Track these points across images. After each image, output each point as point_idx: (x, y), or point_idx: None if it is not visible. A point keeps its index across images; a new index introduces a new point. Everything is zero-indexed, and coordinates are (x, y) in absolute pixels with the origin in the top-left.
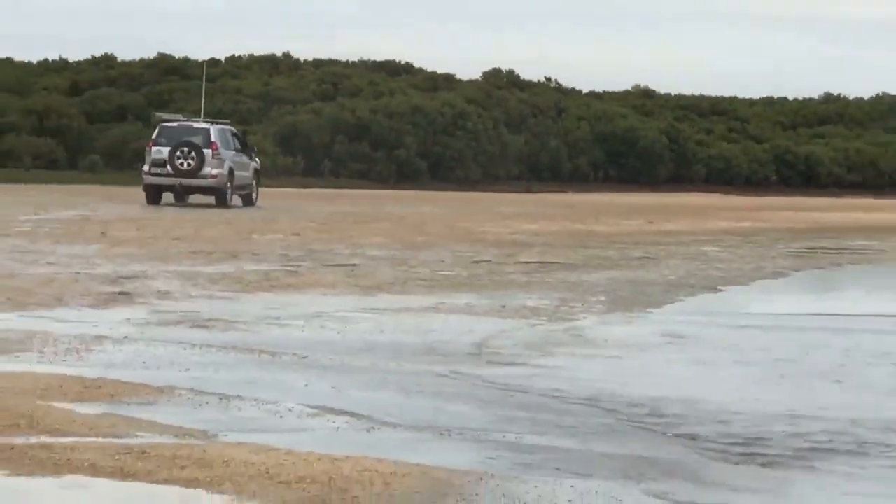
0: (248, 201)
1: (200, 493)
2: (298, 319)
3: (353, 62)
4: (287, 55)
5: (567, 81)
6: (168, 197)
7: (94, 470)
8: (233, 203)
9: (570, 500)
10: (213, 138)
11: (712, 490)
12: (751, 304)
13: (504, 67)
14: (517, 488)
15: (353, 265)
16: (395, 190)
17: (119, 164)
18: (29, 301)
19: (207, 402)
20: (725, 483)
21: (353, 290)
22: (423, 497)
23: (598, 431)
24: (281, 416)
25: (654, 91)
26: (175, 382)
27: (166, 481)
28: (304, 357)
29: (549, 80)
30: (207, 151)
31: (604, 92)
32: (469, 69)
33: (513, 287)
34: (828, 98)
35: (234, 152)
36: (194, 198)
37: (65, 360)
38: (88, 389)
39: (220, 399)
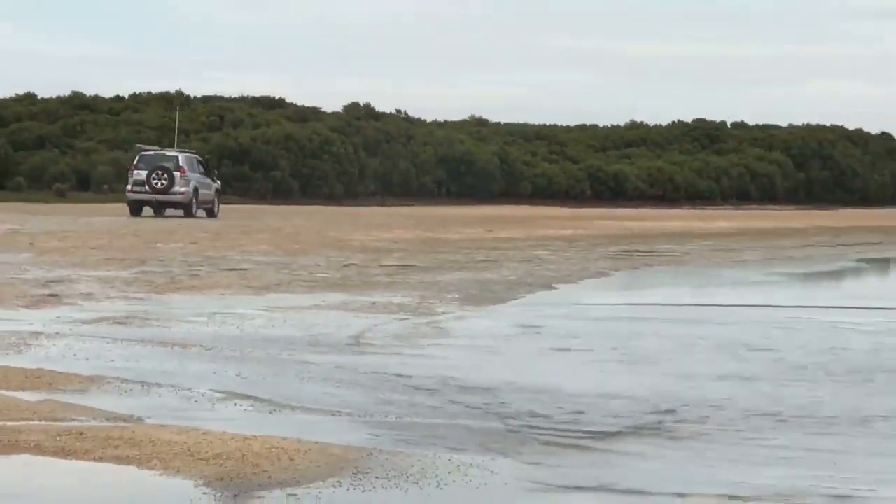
0: (211, 214)
1: (132, 469)
2: (202, 316)
3: (235, 98)
4: (180, 92)
5: (414, 112)
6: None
7: (40, 449)
8: (197, 215)
9: (449, 472)
10: (181, 163)
11: (558, 458)
12: (581, 299)
13: (362, 101)
14: (402, 462)
15: (244, 269)
16: (272, 205)
17: (40, 185)
18: None
19: (132, 390)
20: (572, 453)
21: (245, 290)
22: (324, 470)
23: (463, 412)
24: (195, 401)
25: (486, 120)
26: (103, 372)
27: (101, 459)
28: (210, 349)
29: (399, 111)
30: (176, 174)
31: (445, 121)
32: (332, 103)
33: (379, 287)
34: (632, 125)
35: (199, 175)
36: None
37: (7, 354)
38: (29, 379)
39: (143, 386)
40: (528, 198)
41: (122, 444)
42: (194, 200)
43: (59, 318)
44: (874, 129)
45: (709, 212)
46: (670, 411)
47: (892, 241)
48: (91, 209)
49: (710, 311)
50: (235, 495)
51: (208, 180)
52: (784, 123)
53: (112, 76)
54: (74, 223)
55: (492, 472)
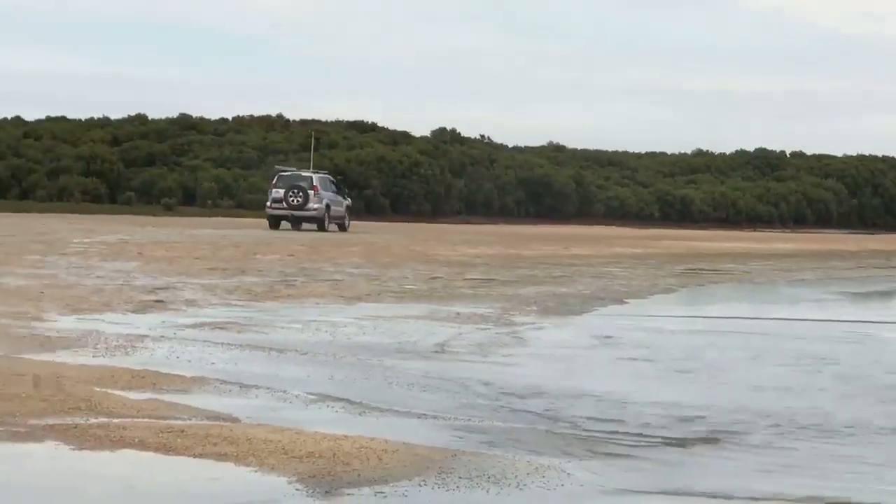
0: (342, 228)
1: (229, 465)
2: (297, 324)
3: (331, 122)
4: (280, 116)
5: (497, 138)
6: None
7: (143, 445)
8: (330, 229)
9: (528, 473)
10: (315, 183)
11: (632, 462)
12: (651, 312)
13: (448, 126)
14: (484, 462)
15: (337, 280)
16: (364, 221)
17: (149, 199)
18: (83, 307)
19: (230, 391)
20: (647, 458)
21: (338, 300)
22: (410, 470)
23: (540, 418)
24: (290, 402)
25: (563, 146)
26: (204, 374)
27: (201, 455)
28: (305, 354)
29: (483, 136)
30: (311, 192)
31: (525, 146)
32: (421, 128)
33: (463, 298)
34: (699, 152)
35: (331, 193)
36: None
37: (114, 355)
38: (135, 379)
39: (241, 387)
40: (601, 218)
41: (220, 441)
42: (327, 216)
43: (163, 322)
44: None
45: (768, 234)
46: (738, 421)
47: None
48: (196, 222)
49: (772, 324)
50: (326, 492)
51: (339, 198)
52: (839, 154)
53: (216, 101)
54: (180, 235)
55: (568, 474)
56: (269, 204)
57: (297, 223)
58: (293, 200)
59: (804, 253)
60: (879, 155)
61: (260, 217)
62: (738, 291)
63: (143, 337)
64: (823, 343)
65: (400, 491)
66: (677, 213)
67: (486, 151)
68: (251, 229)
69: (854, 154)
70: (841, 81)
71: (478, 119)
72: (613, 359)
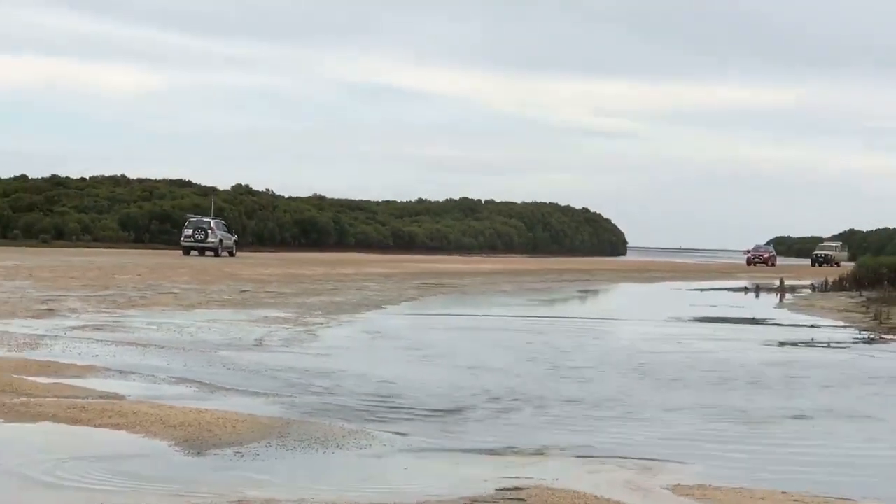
0: (231, 254)
1: (123, 433)
2: (153, 325)
3: (159, 179)
4: (123, 175)
5: (278, 191)
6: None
7: (56, 418)
8: (222, 255)
9: (343, 437)
10: (212, 225)
11: (420, 426)
12: (403, 314)
13: (243, 183)
14: (311, 429)
15: (175, 293)
16: (177, 250)
17: (30, 235)
18: None
19: (114, 375)
20: (431, 423)
21: (178, 308)
22: (257, 434)
23: (345, 393)
24: (158, 384)
25: (324, 196)
26: (92, 363)
27: (101, 425)
28: (162, 348)
29: (267, 189)
30: (209, 231)
31: (297, 196)
32: (224, 184)
33: (267, 306)
34: (420, 201)
35: (223, 231)
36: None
37: (23, 350)
38: (42, 368)
39: (121, 373)
40: (353, 247)
41: (114, 414)
42: (220, 246)
43: (56, 325)
44: (577, 205)
45: (472, 258)
46: (491, 394)
47: (594, 277)
48: (67, 252)
49: (491, 320)
50: (198, 452)
51: (229, 235)
52: (519, 201)
53: (78, 164)
54: (57, 261)
55: (373, 436)
56: (182, 239)
57: (201, 251)
58: (198, 236)
59: (501, 272)
60: (547, 201)
61: (111, 247)
62: (462, 298)
63: (42, 336)
64: (529, 332)
65: (252, 451)
66: (406, 244)
67: (270, 200)
68: (106, 257)
69: (529, 201)
70: (516, 152)
71: (264, 177)
72: (386, 348)
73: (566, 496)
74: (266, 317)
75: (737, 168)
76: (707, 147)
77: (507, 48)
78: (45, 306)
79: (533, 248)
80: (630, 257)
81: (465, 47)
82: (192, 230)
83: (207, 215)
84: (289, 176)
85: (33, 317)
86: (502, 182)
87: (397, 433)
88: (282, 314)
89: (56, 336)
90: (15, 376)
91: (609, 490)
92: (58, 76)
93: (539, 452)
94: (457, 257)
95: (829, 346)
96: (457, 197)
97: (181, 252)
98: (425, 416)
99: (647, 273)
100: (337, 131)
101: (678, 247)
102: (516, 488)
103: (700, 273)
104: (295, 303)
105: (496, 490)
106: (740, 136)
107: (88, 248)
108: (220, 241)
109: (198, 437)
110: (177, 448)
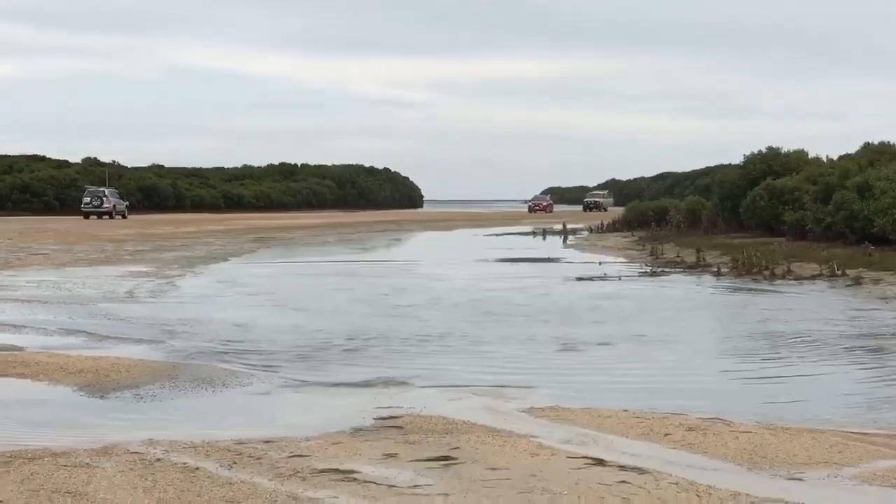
0: (124, 217)
1: (28, 381)
2: (32, 284)
3: (17, 155)
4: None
5: (124, 163)
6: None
7: None
8: (116, 218)
9: (227, 376)
10: (106, 193)
11: (293, 366)
12: (248, 264)
13: (93, 156)
14: (195, 370)
15: (45, 254)
16: (43, 216)
17: None
18: None
19: (7, 329)
20: (302, 363)
21: (50, 267)
22: (150, 377)
23: (215, 338)
24: (51, 336)
25: (163, 165)
26: None
27: (6, 374)
28: (45, 303)
29: (114, 161)
30: (104, 198)
31: (138, 167)
32: (76, 157)
33: (129, 262)
34: (246, 167)
35: (116, 199)
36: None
37: None
38: None
39: (14, 327)
40: (190, 209)
41: (18, 364)
42: (114, 210)
43: None
44: (379, 166)
45: (292, 215)
46: (353, 334)
47: (402, 227)
48: None
49: (328, 265)
50: (101, 396)
51: (122, 201)
52: (330, 163)
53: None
54: None
55: (251, 375)
56: (82, 206)
57: (99, 215)
58: (95, 203)
59: (321, 225)
60: (353, 163)
61: None
62: (295, 248)
63: None
64: (358, 276)
65: (149, 392)
66: (235, 204)
67: (117, 170)
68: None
69: (339, 163)
70: (326, 122)
71: (109, 151)
72: (240, 295)
73: (437, 421)
74: (130, 272)
75: (514, 130)
76: (489, 113)
77: (318, 34)
78: None
79: (344, 204)
80: (427, 209)
81: (281, 35)
82: (90, 198)
83: (102, 186)
84: (131, 149)
85: None
86: (315, 148)
87: (272, 372)
88: (143, 269)
89: None
90: None
91: (472, 414)
92: None
93: (401, 384)
94: (280, 214)
95: (620, 280)
96: (276, 162)
97: (82, 216)
98: (290, 356)
99: (446, 222)
100: (171, 109)
101: (466, 198)
102: (391, 416)
103: (491, 221)
104: (152, 258)
105: (374, 420)
106: (517, 102)
107: None
108: (114, 206)
109: (98, 382)
110: (81, 393)
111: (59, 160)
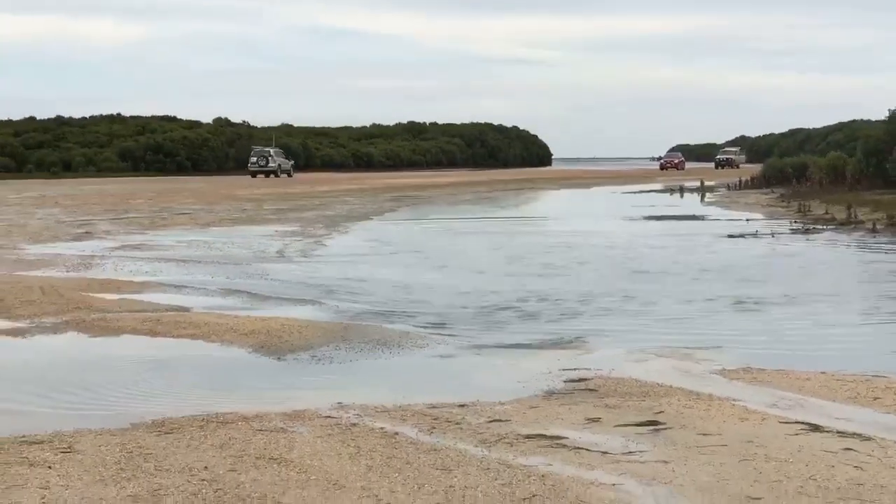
0: (290, 175)
1: (201, 342)
2: (182, 243)
3: (155, 115)
4: (119, 114)
5: (254, 123)
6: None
7: (136, 331)
8: (282, 177)
9: (400, 337)
10: (272, 153)
11: (461, 328)
12: (393, 221)
13: (231, 117)
14: (369, 331)
15: (188, 213)
16: (174, 175)
17: (42, 169)
18: (41, 239)
19: (169, 290)
20: (470, 324)
21: (196, 227)
22: (323, 339)
23: (372, 297)
24: (212, 296)
25: (292, 125)
26: (145, 279)
27: (180, 336)
28: (199, 263)
29: (244, 122)
30: (269, 158)
31: (271, 126)
32: (207, 117)
33: (273, 221)
34: (374, 125)
35: (282, 158)
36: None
37: (79, 270)
38: (104, 286)
39: (175, 287)
40: (320, 168)
41: (188, 325)
42: (279, 169)
43: (97, 246)
44: (509, 124)
45: (425, 173)
46: (519, 297)
47: (537, 185)
48: (79, 182)
49: (474, 222)
50: (279, 358)
51: (287, 160)
52: (458, 122)
53: (77, 107)
54: (74, 190)
55: (425, 336)
56: (249, 165)
57: (266, 174)
58: (261, 162)
59: (456, 184)
60: (483, 122)
61: (114, 176)
62: (434, 207)
63: (91, 256)
64: (508, 234)
65: (325, 354)
66: (365, 164)
67: (246, 130)
68: (113, 185)
69: (468, 122)
70: (453, 82)
71: (239, 111)
72: (392, 254)
73: (631, 384)
74: (276, 231)
75: (639, 87)
76: (615, 71)
77: None
78: (81, 230)
79: (473, 163)
80: (556, 167)
81: None
82: (255, 158)
83: (269, 146)
84: (259, 109)
85: (74, 240)
86: (443, 108)
87: (443, 333)
88: (288, 228)
89: (103, 256)
90: (84, 294)
91: (665, 376)
92: (46, 31)
93: (577, 345)
94: (410, 173)
95: (773, 237)
96: (405, 121)
97: (249, 175)
98: (457, 316)
99: (579, 180)
100: (296, 70)
101: (594, 156)
102: (581, 379)
103: (624, 178)
104: (294, 217)
105: (565, 382)
106: (642, 60)
107: (93, 178)
108: (279, 165)
109: (271, 344)
110: (258, 355)
111: (190, 120)
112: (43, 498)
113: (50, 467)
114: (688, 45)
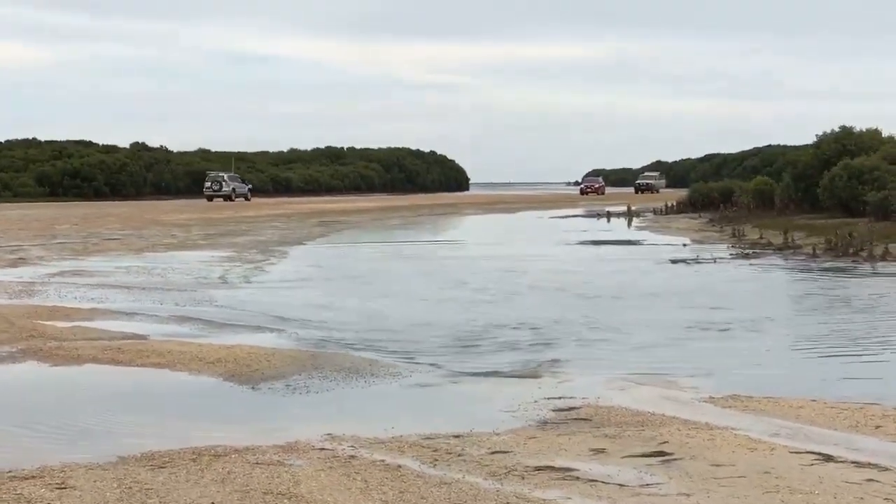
0: (246, 199)
1: (167, 371)
2: (121, 269)
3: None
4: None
5: (171, 147)
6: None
7: (97, 360)
8: (237, 201)
9: (370, 365)
10: (226, 178)
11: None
12: (325, 248)
13: (148, 142)
14: (335, 359)
15: (117, 239)
16: (93, 201)
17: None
18: None
19: (120, 317)
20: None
21: (130, 252)
22: (294, 367)
23: (327, 325)
24: (167, 323)
25: (210, 150)
26: (93, 307)
27: (144, 365)
28: (144, 289)
29: (161, 146)
30: (223, 183)
31: (185, 151)
32: (124, 142)
33: (205, 247)
34: (292, 150)
35: (237, 183)
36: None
37: (23, 297)
38: (52, 313)
39: (126, 315)
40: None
41: (151, 354)
42: (233, 193)
43: (36, 272)
44: (426, 149)
45: (344, 198)
46: (466, 323)
47: (461, 211)
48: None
49: (404, 246)
50: (252, 387)
51: (243, 185)
52: (376, 147)
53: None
54: (39, 211)
55: (397, 365)
56: (204, 190)
57: (219, 199)
58: (214, 187)
59: (380, 208)
60: (401, 146)
61: (30, 202)
62: (365, 232)
63: (31, 283)
64: (433, 255)
65: (300, 384)
66: (284, 188)
67: (164, 155)
68: (35, 210)
69: (385, 147)
70: (367, 106)
71: (156, 136)
72: (336, 280)
73: (623, 413)
74: (213, 256)
75: (554, 112)
76: (527, 96)
77: (358, 18)
78: (14, 255)
79: (391, 187)
80: (474, 191)
81: (312, 17)
82: (210, 183)
83: (223, 172)
84: (176, 134)
85: (9, 266)
86: (359, 132)
87: (411, 362)
88: (224, 253)
89: (44, 283)
90: (34, 322)
91: (654, 405)
92: None
93: (554, 373)
94: (330, 197)
95: (715, 262)
96: (322, 146)
97: (206, 199)
98: (421, 345)
99: (503, 204)
100: (213, 94)
101: (509, 181)
102: (571, 408)
103: (547, 203)
104: (227, 243)
105: (554, 411)
106: (554, 86)
107: (11, 203)
108: (234, 189)
109: (241, 373)
110: (231, 384)
111: (107, 145)
112: None
113: None
114: (599, 71)
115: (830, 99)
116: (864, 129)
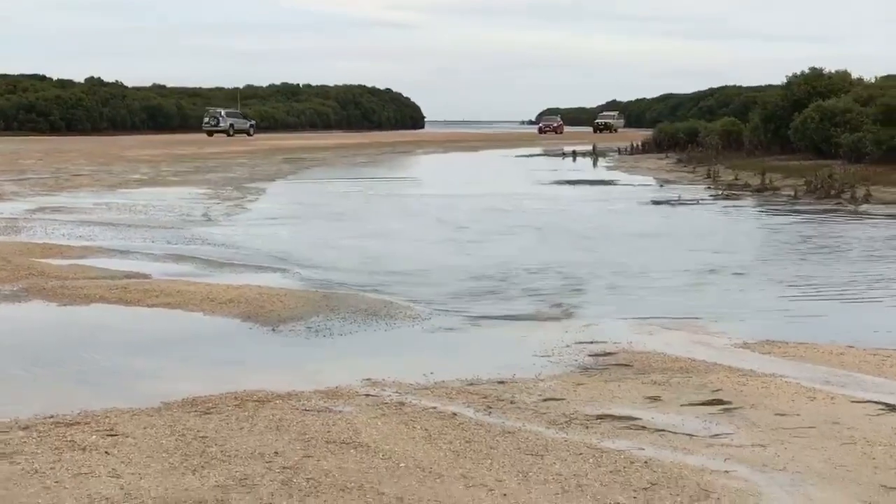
0: (249, 134)
1: (180, 311)
2: (101, 206)
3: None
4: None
5: (127, 83)
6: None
7: (105, 300)
8: (236, 136)
9: (383, 305)
10: (224, 114)
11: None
12: (300, 184)
13: (105, 78)
14: (349, 300)
15: (86, 174)
16: (60, 136)
17: None
18: None
19: (116, 255)
20: (412, 290)
21: (104, 189)
22: (309, 308)
23: (327, 263)
24: (164, 262)
25: (165, 85)
26: (85, 244)
27: (154, 305)
28: (130, 226)
29: (117, 81)
30: (221, 118)
31: (142, 87)
32: (80, 77)
33: (178, 184)
34: (248, 87)
35: (237, 118)
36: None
37: (9, 234)
38: (45, 251)
39: (121, 253)
40: (195, 129)
41: (159, 294)
42: (231, 129)
43: (15, 208)
44: (381, 87)
45: (302, 135)
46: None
47: (424, 148)
48: None
49: (372, 182)
50: (272, 329)
51: (244, 120)
52: (332, 84)
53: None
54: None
55: (411, 307)
56: (203, 125)
57: (219, 133)
58: (212, 122)
59: (343, 146)
60: (356, 84)
61: None
62: (335, 168)
63: (14, 219)
64: (387, 189)
65: (320, 325)
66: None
67: (119, 90)
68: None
69: (342, 84)
70: (323, 44)
71: (111, 71)
72: (320, 217)
73: (662, 359)
74: (190, 193)
75: (508, 52)
76: (483, 34)
77: None
78: None
79: (347, 125)
80: (430, 129)
81: None
82: (207, 118)
83: (220, 108)
84: (130, 69)
85: None
86: (315, 68)
87: (429, 304)
88: (199, 190)
89: (27, 219)
90: (31, 259)
91: (689, 351)
92: None
93: (574, 316)
94: (287, 134)
95: (698, 203)
96: (278, 82)
97: (205, 135)
98: (430, 286)
99: (464, 142)
100: (168, 30)
101: (464, 119)
102: (606, 353)
103: (506, 141)
104: (199, 180)
105: (591, 356)
106: (509, 25)
107: None
108: (231, 125)
109: (257, 314)
110: (249, 325)
111: (62, 80)
112: (122, 488)
113: (107, 453)
114: (555, 10)
115: (787, 41)
116: (833, 71)
